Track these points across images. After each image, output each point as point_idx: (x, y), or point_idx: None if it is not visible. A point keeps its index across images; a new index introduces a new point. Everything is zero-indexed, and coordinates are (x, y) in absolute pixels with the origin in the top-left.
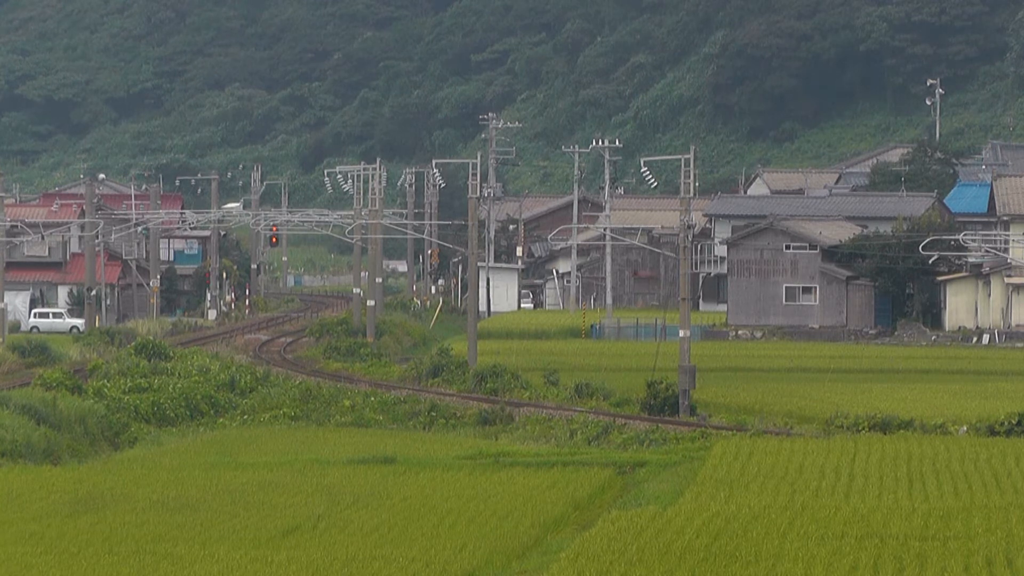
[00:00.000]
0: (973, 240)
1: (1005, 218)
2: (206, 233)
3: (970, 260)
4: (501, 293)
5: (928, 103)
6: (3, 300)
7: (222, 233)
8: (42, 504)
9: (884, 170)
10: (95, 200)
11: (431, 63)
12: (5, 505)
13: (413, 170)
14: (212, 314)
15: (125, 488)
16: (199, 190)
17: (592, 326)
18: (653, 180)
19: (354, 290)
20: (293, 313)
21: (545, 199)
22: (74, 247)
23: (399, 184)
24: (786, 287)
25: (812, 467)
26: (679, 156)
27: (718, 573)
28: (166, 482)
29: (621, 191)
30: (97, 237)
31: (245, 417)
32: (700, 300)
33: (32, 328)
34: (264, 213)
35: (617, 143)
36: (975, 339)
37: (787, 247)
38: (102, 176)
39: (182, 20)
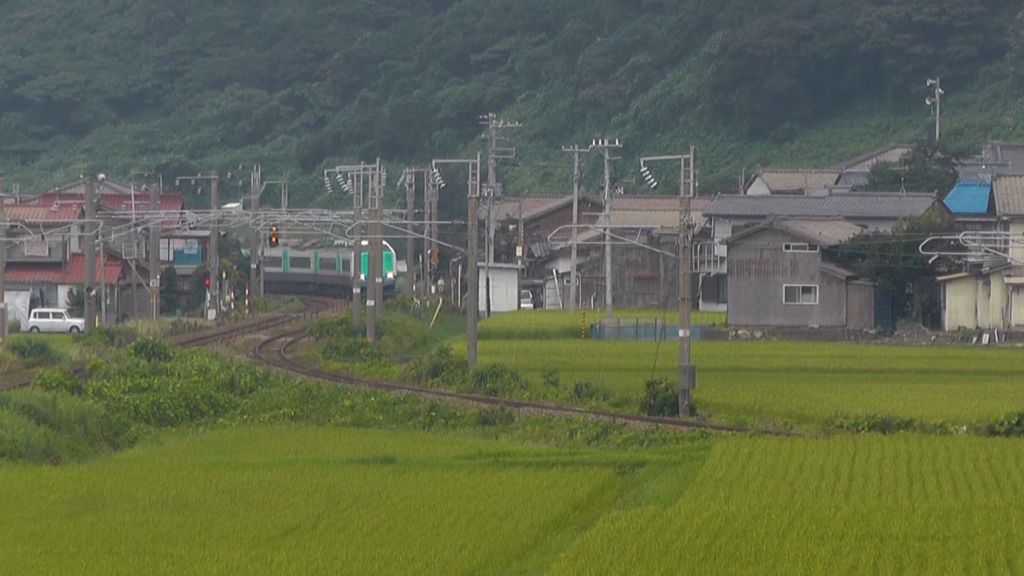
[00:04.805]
0: (973, 240)
1: (1005, 218)
2: (206, 233)
3: (970, 260)
4: (501, 293)
5: (928, 103)
6: (3, 300)
7: (222, 233)
8: (42, 504)
9: (884, 170)
10: (95, 200)
11: (431, 63)
12: (5, 505)
13: (413, 170)
14: (212, 314)
15: (125, 488)
16: (199, 190)
17: (592, 326)
18: (653, 180)
19: (354, 290)
20: (293, 313)
21: (545, 199)
22: (74, 247)
23: (399, 184)
24: (786, 287)
25: (812, 467)
26: (679, 156)
27: (718, 573)
28: (166, 482)
29: (621, 191)
30: (97, 237)
31: (245, 417)
32: (700, 300)
33: (32, 328)
34: (264, 213)
35: (617, 143)
36: (975, 339)
37: (787, 247)
38: (102, 176)
39: (182, 20)
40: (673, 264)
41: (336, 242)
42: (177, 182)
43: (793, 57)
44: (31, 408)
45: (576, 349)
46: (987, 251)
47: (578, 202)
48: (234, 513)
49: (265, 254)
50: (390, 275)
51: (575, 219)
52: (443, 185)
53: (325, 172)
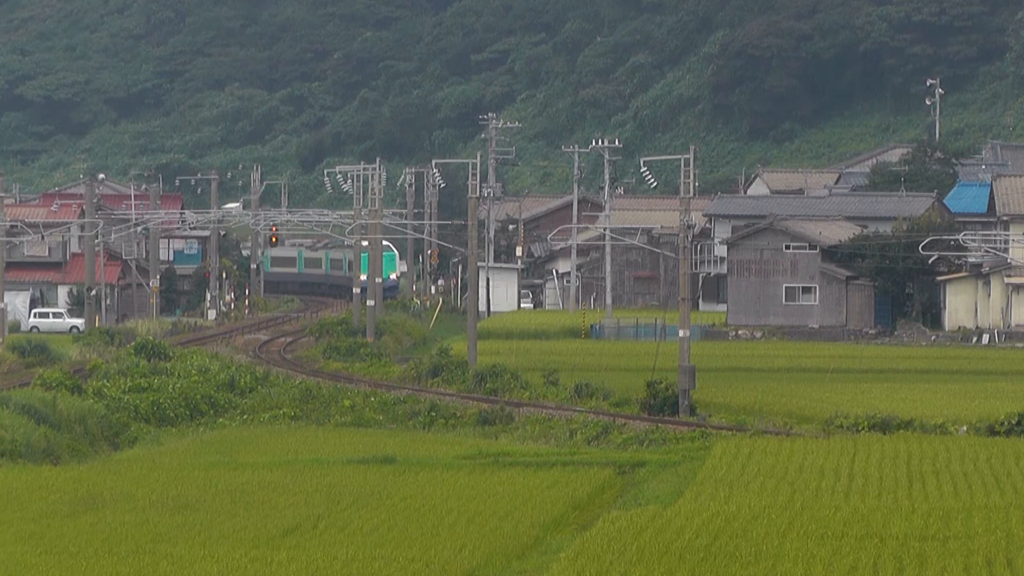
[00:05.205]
0: (973, 240)
1: (1005, 218)
2: (206, 233)
3: (970, 260)
4: (501, 293)
5: (928, 103)
6: (3, 300)
7: (222, 233)
8: (42, 504)
9: (884, 170)
10: (95, 200)
11: (431, 63)
12: (5, 505)
13: (413, 170)
14: (212, 314)
15: (125, 488)
16: (199, 190)
17: (592, 326)
18: (653, 180)
19: (354, 290)
20: (293, 313)
21: (545, 199)
22: (74, 247)
23: (399, 184)
24: (786, 287)
25: (812, 467)
26: (679, 156)
27: (718, 573)
28: (166, 482)
29: (621, 191)
30: (97, 237)
31: (245, 417)
32: (700, 300)
33: (32, 328)
34: (264, 213)
35: (617, 143)
36: (975, 339)
37: (787, 247)
38: (102, 176)
39: (182, 20)
40: (673, 264)
41: (347, 243)
42: (177, 182)
43: (793, 57)
44: (31, 408)
45: (576, 349)
46: (987, 251)
47: (578, 202)
48: (234, 513)
49: (280, 255)
50: (393, 276)
51: (575, 219)
52: (443, 185)
53: (325, 172)
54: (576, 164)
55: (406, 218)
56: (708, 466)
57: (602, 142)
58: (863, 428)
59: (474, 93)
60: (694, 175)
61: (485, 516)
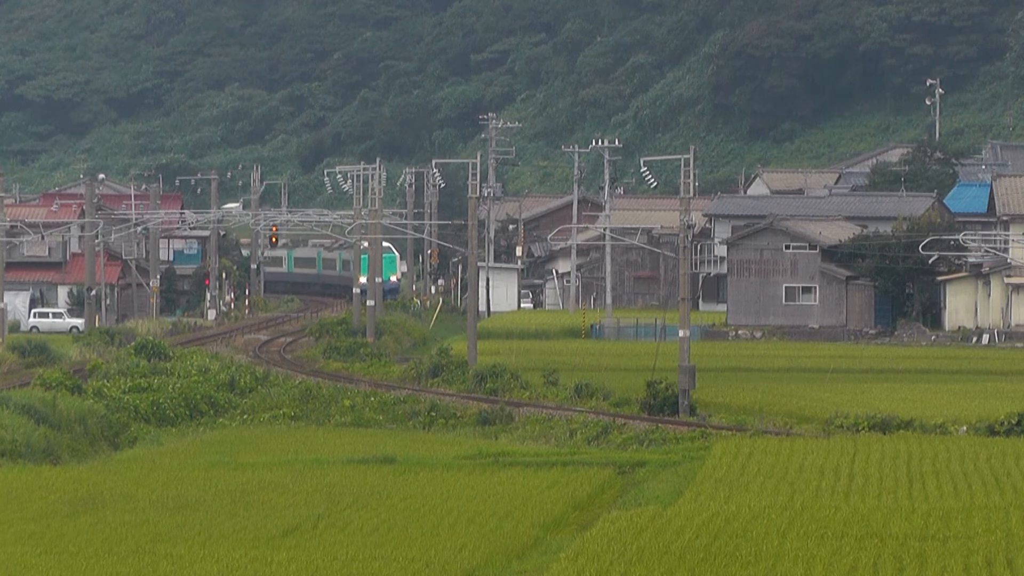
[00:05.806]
0: (973, 240)
1: (1005, 218)
2: (206, 233)
3: (970, 260)
4: (501, 293)
5: (928, 103)
6: (3, 300)
7: (221, 233)
8: (42, 504)
9: (884, 170)
10: (95, 200)
11: (431, 63)
12: (5, 505)
13: (413, 170)
14: (212, 314)
15: (125, 488)
16: (199, 190)
17: (592, 326)
18: (653, 180)
19: (354, 290)
20: (293, 313)
21: (545, 199)
22: (74, 247)
23: (399, 184)
24: (786, 287)
25: (812, 467)
26: (679, 156)
27: (718, 573)
28: (166, 482)
29: (621, 191)
30: (97, 237)
31: (245, 417)
32: (700, 300)
33: (32, 328)
34: (264, 213)
35: (617, 143)
36: (975, 339)
37: (787, 247)
38: (102, 176)
39: (182, 20)
40: (673, 264)
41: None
42: (177, 182)
43: (793, 57)
44: (31, 408)
45: (576, 349)
46: (987, 251)
47: (578, 202)
48: (234, 513)
49: (303, 255)
50: (394, 278)
51: (575, 219)
52: (443, 185)
53: (325, 172)
54: (576, 164)
55: (406, 218)
56: (708, 466)
57: (602, 142)
58: (863, 428)
59: (474, 93)
60: (694, 175)
61: (485, 516)
